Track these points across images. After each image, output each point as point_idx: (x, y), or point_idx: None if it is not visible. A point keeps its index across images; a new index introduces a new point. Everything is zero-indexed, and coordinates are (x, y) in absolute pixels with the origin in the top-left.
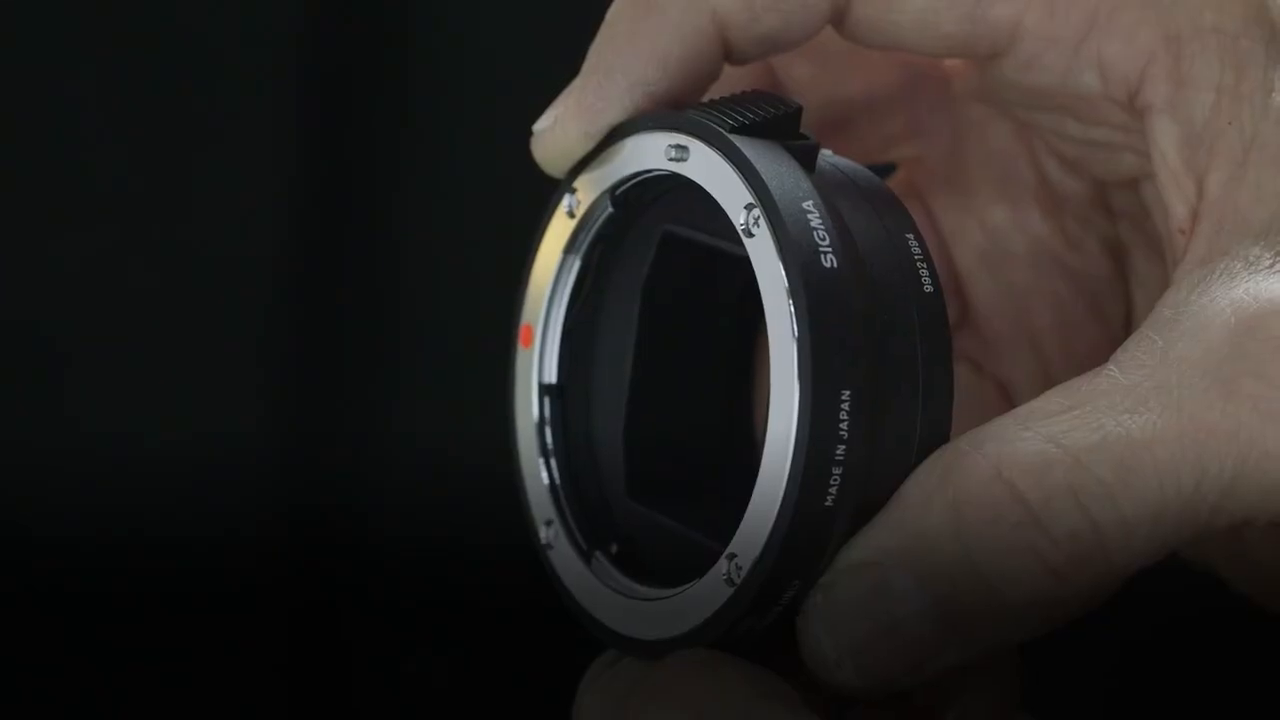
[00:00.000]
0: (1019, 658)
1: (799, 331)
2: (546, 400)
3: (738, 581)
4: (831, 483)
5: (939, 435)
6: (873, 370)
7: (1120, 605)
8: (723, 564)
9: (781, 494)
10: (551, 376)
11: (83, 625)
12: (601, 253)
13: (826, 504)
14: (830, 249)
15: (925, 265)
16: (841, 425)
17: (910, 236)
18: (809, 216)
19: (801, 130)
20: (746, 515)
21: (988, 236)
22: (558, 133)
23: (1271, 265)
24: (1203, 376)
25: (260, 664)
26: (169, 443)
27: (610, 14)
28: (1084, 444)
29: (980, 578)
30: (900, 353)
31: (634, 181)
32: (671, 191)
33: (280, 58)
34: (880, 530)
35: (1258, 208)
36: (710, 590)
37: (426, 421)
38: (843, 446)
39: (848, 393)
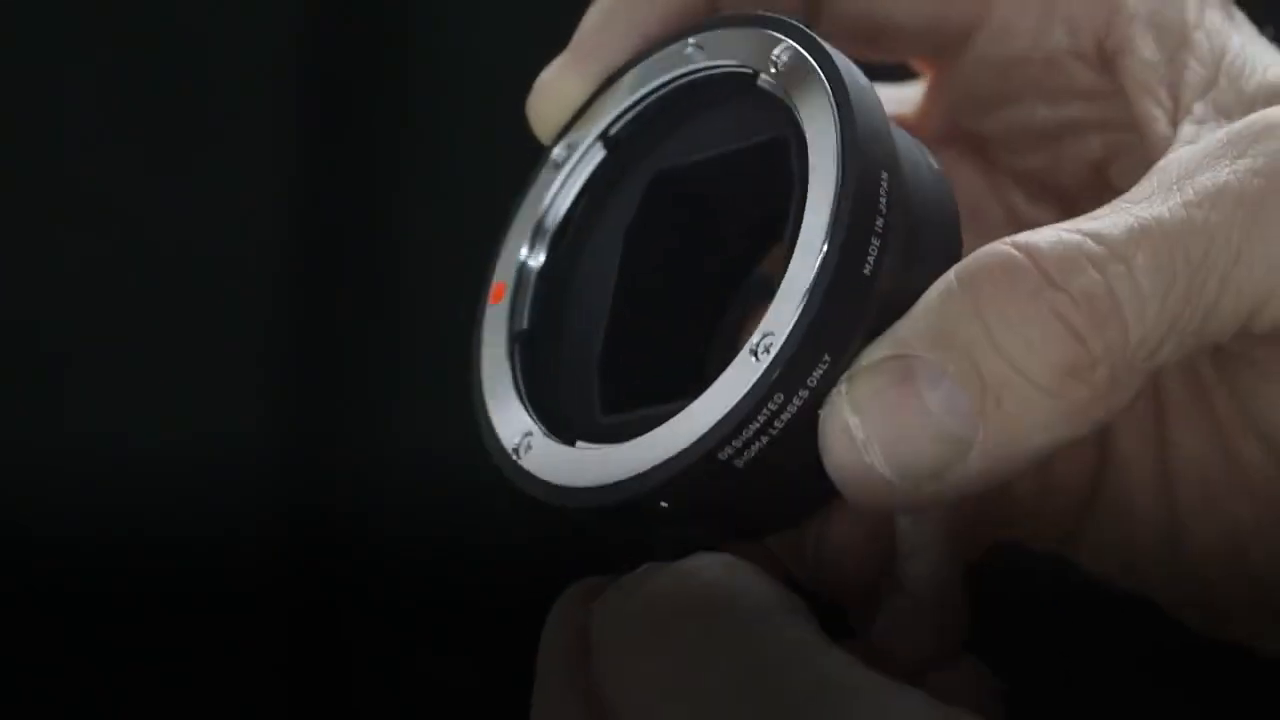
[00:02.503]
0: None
1: (839, 119)
2: (517, 346)
3: (772, 351)
4: (870, 251)
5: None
6: (904, 173)
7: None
8: (745, 354)
9: (821, 255)
10: (523, 324)
11: (83, 625)
12: (587, 203)
13: (865, 271)
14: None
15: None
16: (881, 198)
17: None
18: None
19: None
20: (777, 295)
21: None
22: (557, 79)
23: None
24: (1209, 178)
25: (260, 664)
26: (169, 443)
27: None
28: (1096, 226)
29: (1001, 352)
30: (927, 180)
31: (633, 113)
32: (670, 127)
33: (280, 58)
34: (902, 325)
35: (1236, 103)
36: (736, 376)
37: (427, 422)
38: (881, 219)
39: (885, 174)
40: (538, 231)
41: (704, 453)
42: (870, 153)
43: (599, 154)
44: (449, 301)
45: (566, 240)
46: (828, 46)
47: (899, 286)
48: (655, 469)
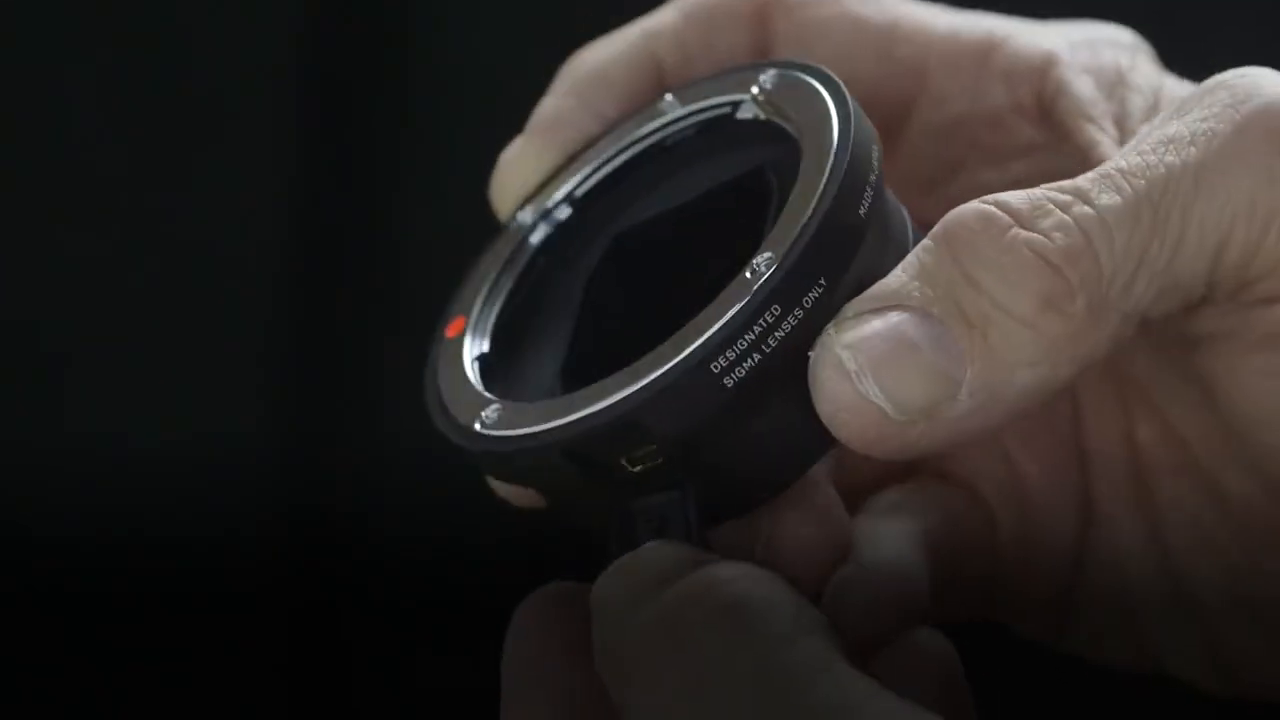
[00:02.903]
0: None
1: (834, 99)
2: (476, 363)
3: (771, 266)
4: (864, 199)
5: None
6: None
7: None
8: (744, 274)
9: (820, 190)
10: (483, 349)
11: (83, 625)
12: (546, 260)
13: (859, 213)
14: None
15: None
16: (874, 161)
17: None
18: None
19: None
20: (776, 225)
21: None
22: (518, 158)
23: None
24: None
25: (260, 664)
26: (169, 443)
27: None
28: (1060, 182)
29: (980, 289)
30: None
31: (601, 175)
32: (639, 185)
33: (280, 58)
34: (885, 280)
35: (1180, 128)
36: (733, 292)
37: (427, 421)
38: (873, 178)
39: (876, 148)
40: (498, 280)
41: (697, 361)
42: (865, 127)
43: (564, 213)
44: (449, 302)
45: (527, 287)
46: (817, 65)
47: (876, 254)
48: (642, 387)
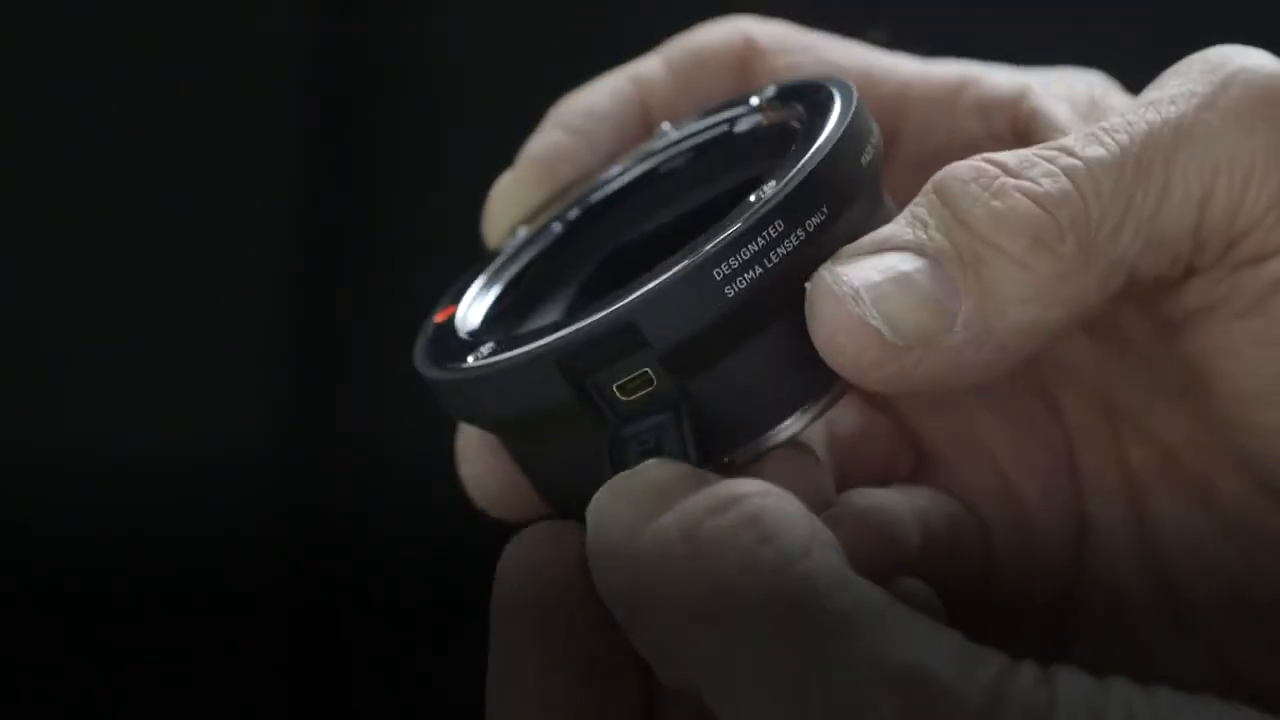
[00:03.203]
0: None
1: (838, 88)
2: (470, 337)
3: (775, 190)
4: (865, 152)
5: None
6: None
7: None
8: (750, 199)
9: (825, 135)
10: (474, 326)
11: (83, 625)
12: (541, 267)
13: (860, 161)
14: None
15: None
16: (872, 128)
17: None
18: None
19: None
20: (784, 163)
21: None
22: (510, 189)
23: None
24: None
25: (260, 664)
26: (169, 443)
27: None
28: (1048, 142)
29: (972, 229)
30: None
31: (598, 196)
32: (636, 205)
33: (280, 58)
34: (879, 229)
35: (1158, 94)
36: (739, 212)
37: (426, 421)
38: (872, 139)
39: (875, 125)
40: (490, 280)
41: (699, 264)
42: (866, 112)
43: (559, 229)
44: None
45: (519, 286)
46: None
47: (872, 218)
48: (643, 292)
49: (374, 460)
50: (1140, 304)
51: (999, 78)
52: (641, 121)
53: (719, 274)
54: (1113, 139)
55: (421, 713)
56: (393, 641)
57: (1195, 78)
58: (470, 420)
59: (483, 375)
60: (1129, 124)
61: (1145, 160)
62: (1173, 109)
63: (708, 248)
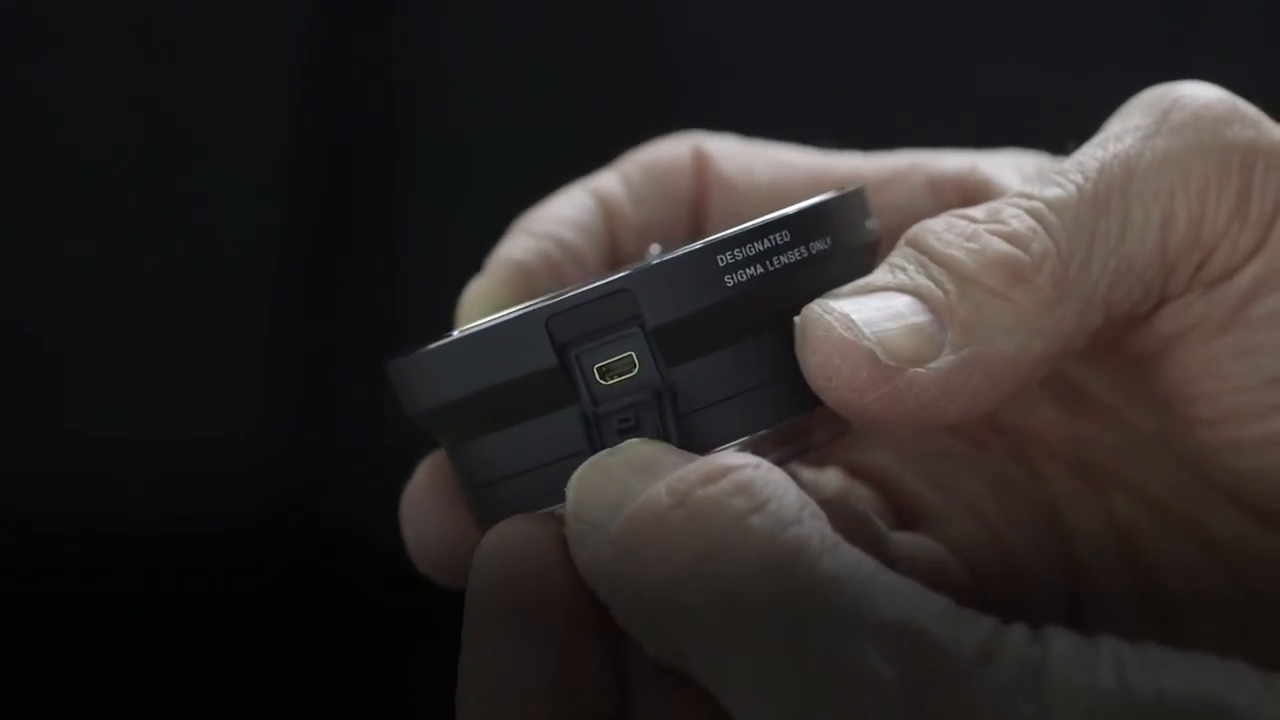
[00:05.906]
0: None
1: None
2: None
3: (787, 210)
4: (868, 221)
5: None
6: None
7: None
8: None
9: (829, 192)
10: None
11: (82, 625)
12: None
13: (865, 226)
14: None
15: None
16: (867, 202)
17: None
18: None
19: None
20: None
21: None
22: (482, 291)
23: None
24: None
25: (258, 663)
26: (169, 443)
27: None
28: (1007, 194)
29: (949, 264)
30: None
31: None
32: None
33: (281, 57)
34: (863, 278)
35: (1105, 135)
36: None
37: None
38: (874, 222)
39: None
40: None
41: (703, 247)
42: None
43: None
44: (449, 301)
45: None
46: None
47: (863, 275)
48: (646, 265)
49: (374, 460)
50: (1111, 347)
51: (946, 158)
52: (606, 228)
53: (721, 260)
54: (1067, 179)
55: (421, 713)
56: (392, 641)
57: (1138, 113)
58: (437, 405)
59: (472, 336)
60: (1080, 164)
61: (1102, 193)
62: (1120, 144)
63: (715, 235)
